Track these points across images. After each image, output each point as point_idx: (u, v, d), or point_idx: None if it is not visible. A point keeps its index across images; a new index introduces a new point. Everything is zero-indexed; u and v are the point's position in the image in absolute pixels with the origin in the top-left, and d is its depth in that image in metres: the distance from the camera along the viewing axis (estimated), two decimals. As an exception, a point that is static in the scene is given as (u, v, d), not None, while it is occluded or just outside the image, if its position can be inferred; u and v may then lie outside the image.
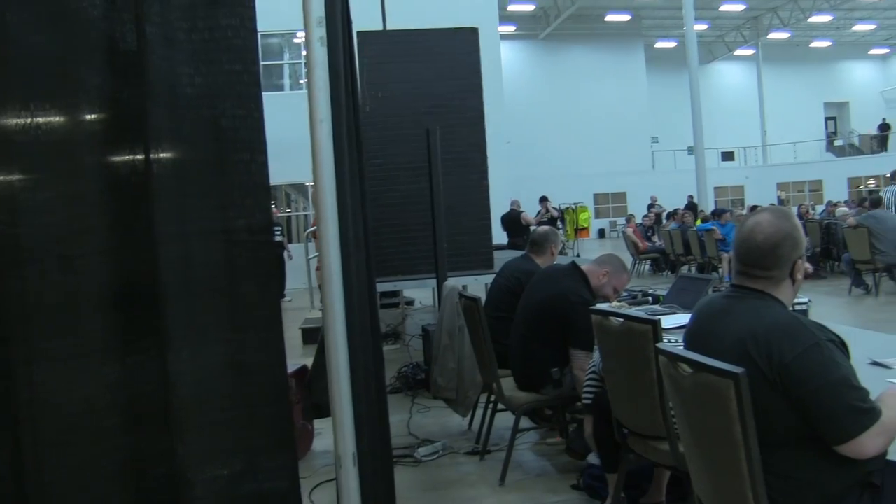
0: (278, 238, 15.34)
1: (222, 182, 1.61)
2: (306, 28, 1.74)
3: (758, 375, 2.16)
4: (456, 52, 8.41)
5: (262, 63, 18.34)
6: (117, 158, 1.67)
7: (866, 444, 2.10)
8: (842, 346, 2.20)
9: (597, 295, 4.45)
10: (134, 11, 1.57)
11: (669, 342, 3.53)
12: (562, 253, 4.99)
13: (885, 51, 46.12)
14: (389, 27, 10.86)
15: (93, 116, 1.62)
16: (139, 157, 1.64)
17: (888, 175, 20.15)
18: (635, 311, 3.70)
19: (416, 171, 7.55)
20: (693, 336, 2.55)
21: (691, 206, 21.54)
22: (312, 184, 2.01)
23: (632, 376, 3.21)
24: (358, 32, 8.05)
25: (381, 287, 8.15)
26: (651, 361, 2.97)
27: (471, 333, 4.86)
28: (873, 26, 41.63)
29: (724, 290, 2.54)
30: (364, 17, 10.16)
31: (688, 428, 2.50)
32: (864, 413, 2.11)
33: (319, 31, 1.74)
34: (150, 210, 1.61)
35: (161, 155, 1.63)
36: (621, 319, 3.25)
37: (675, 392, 2.52)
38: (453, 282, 6.63)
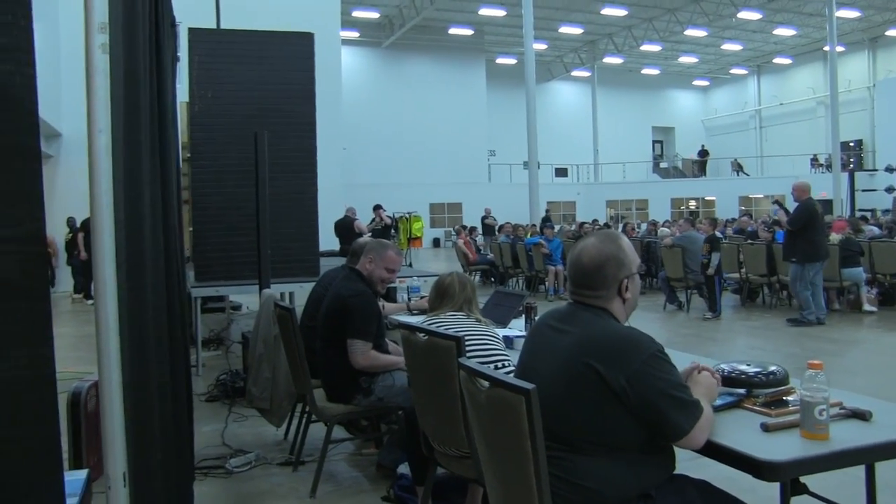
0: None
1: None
2: (86, 34, 1.66)
3: (593, 379, 2.28)
4: (290, 56, 8.28)
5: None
6: None
7: (698, 436, 2.31)
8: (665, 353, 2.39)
9: (375, 283, 4.64)
10: None
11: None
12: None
13: (705, 83, 49.35)
14: (226, 26, 10.62)
15: None
16: None
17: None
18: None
19: (243, 174, 7.37)
20: (536, 336, 2.64)
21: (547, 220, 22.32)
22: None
23: (436, 391, 3.25)
24: (189, 29, 7.83)
25: (204, 292, 7.93)
26: (454, 377, 3.02)
27: (284, 343, 4.80)
28: (696, 59, 44.37)
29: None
30: (199, 14, 9.91)
31: (483, 441, 2.56)
32: (693, 408, 2.32)
33: (101, 38, 1.66)
34: None
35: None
36: (426, 335, 3.30)
37: (473, 407, 2.58)
38: (277, 288, 6.54)
